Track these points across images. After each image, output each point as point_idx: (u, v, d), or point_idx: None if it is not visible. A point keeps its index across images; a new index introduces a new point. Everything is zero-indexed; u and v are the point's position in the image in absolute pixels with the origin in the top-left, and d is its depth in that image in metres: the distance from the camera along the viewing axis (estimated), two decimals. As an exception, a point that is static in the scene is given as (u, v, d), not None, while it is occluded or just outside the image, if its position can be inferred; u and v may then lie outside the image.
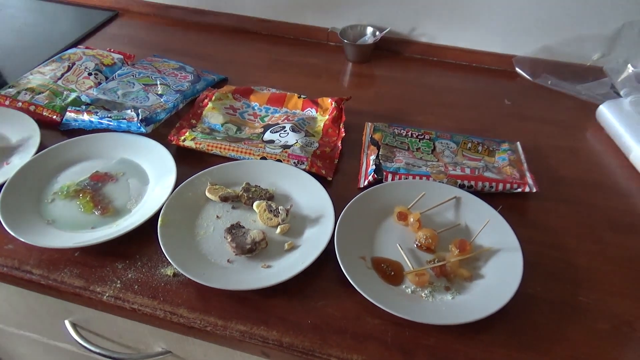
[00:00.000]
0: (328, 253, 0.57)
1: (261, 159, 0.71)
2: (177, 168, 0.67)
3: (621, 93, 0.83)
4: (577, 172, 0.74)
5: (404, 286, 0.56)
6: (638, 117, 0.76)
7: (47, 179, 0.68)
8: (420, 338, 0.52)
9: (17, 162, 0.69)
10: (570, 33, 0.92)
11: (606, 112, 0.81)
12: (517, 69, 0.95)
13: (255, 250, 0.58)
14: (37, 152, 0.70)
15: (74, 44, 0.99)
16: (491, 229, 0.61)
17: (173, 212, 0.62)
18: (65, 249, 0.59)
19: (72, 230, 0.61)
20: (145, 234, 0.60)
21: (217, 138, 0.74)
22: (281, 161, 0.71)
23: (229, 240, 0.59)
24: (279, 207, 0.63)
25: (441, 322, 0.51)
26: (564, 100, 0.89)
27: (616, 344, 0.52)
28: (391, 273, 0.57)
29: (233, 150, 0.72)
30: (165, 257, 0.56)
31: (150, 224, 0.60)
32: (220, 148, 0.73)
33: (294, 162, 0.70)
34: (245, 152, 0.72)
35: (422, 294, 0.55)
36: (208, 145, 0.73)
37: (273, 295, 0.55)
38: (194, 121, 0.79)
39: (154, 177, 0.69)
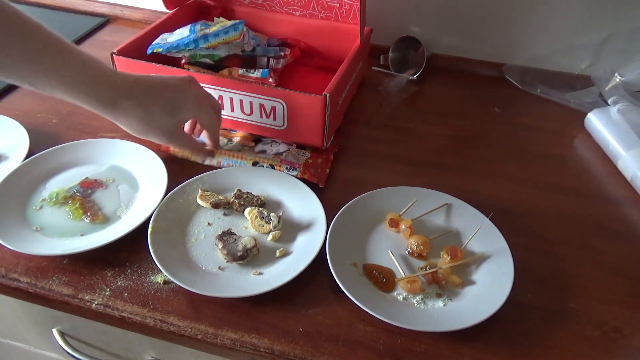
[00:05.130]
0: (320, 260, 0.57)
1: (253, 163, 0.71)
2: (168, 175, 0.67)
3: (609, 101, 0.84)
4: (566, 179, 0.75)
5: (395, 293, 0.56)
6: (625, 125, 0.77)
7: (36, 186, 0.67)
8: (411, 345, 0.52)
9: (5, 168, 0.68)
10: (559, 42, 0.93)
11: (594, 120, 0.82)
12: (507, 77, 0.96)
13: (246, 257, 0.58)
14: (25, 159, 0.69)
15: (64, 50, 0.98)
16: (482, 235, 0.61)
17: (163, 219, 0.62)
18: (53, 256, 0.58)
19: (60, 237, 0.61)
20: (135, 241, 0.60)
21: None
22: (274, 167, 0.70)
23: (220, 247, 0.59)
24: (271, 214, 0.63)
25: (433, 329, 0.52)
26: (552, 108, 0.90)
27: (605, 350, 0.52)
28: (383, 280, 0.57)
29: (225, 154, 0.73)
30: (156, 265, 0.56)
31: (140, 231, 0.60)
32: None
33: (287, 168, 0.70)
34: (238, 157, 0.72)
35: (414, 301, 0.55)
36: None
37: (264, 302, 0.55)
38: None
39: (145, 183, 0.68)
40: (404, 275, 0.57)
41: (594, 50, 0.91)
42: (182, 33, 0.79)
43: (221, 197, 0.65)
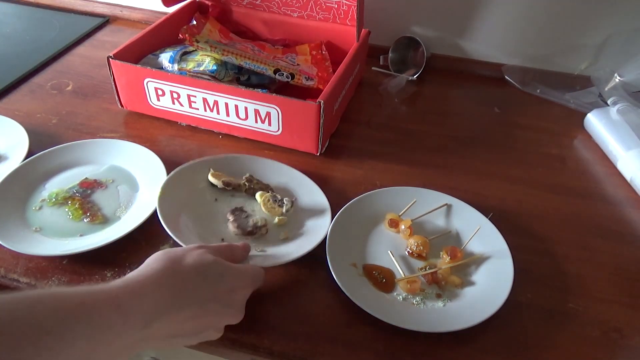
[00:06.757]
0: (320, 260, 0.57)
1: (275, 71, 0.77)
2: (168, 175, 0.67)
3: (608, 102, 0.84)
4: (566, 179, 0.75)
5: (395, 293, 0.56)
6: (625, 126, 0.77)
7: (35, 186, 0.67)
8: (411, 345, 0.52)
9: (5, 169, 0.68)
10: (558, 43, 0.93)
11: (594, 121, 0.82)
12: (507, 77, 0.96)
13: (255, 233, 0.60)
14: (25, 159, 0.69)
15: (64, 51, 0.99)
16: (482, 236, 0.61)
17: (172, 188, 0.64)
18: (53, 256, 0.58)
19: (60, 237, 0.61)
20: (134, 242, 0.60)
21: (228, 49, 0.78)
22: (294, 76, 0.77)
23: (231, 220, 0.60)
24: (284, 198, 0.64)
25: (432, 330, 0.51)
26: (552, 108, 0.90)
27: (605, 350, 0.52)
28: (383, 280, 0.57)
29: (248, 58, 0.76)
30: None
31: (140, 231, 0.60)
32: (236, 55, 0.77)
33: (305, 78, 0.78)
34: (261, 62, 0.77)
35: (414, 301, 0.55)
36: (223, 51, 0.77)
37: (264, 303, 0.55)
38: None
39: (144, 184, 0.68)
40: (403, 276, 0.57)
41: (594, 50, 0.91)
42: (163, 62, 0.80)
43: (232, 178, 0.67)
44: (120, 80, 0.78)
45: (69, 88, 0.88)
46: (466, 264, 0.59)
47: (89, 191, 0.67)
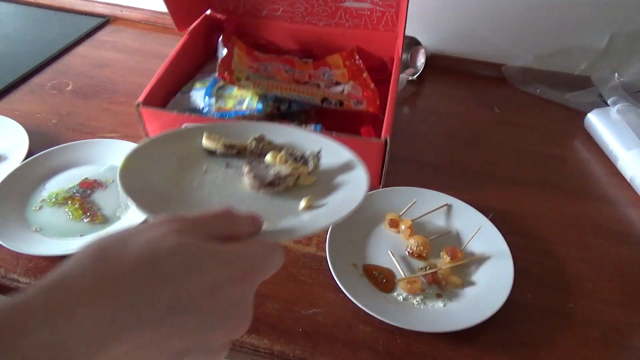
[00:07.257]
0: (320, 260, 0.57)
1: (322, 100, 0.72)
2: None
3: (608, 102, 0.84)
4: (566, 179, 0.75)
5: (395, 293, 0.56)
6: (625, 126, 0.77)
7: (35, 186, 0.67)
8: (411, 346, 0.52)
9: (5, 169, 0.68)
10: (559, 43, 0.93)
11: (594, 121, 0.82)
12: (507, 77, 0.96)
13: (277, 185, 0.44)
14: (25, 159, 0.69)
15: (64, 51, 0.98)
16: (482, 236, 0.61)
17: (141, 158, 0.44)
18: (53, 256, 0.58)
19: (60, 237, 0.61)
20: (134, 242, 0.60)
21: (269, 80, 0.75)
22: (342, 103, 0.73)
23: (247, 170, 0.45)
24: (306, 152, 0.47)
25: (433, 330, 0.51)
26: (552, 108, 0.90)
27: (605, 351, 0.52)
28: (383, 280, 0.57)
29: (294, 90, 0.72)
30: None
31: (140, 232, 0.59)
32: (280, 88, 0.72)
33: (354, 102, 0.74)
34: (307, 93, 0.73)
35: (414, 301, 0.55)
36: (268, 86, 0.72)
37: (264, 303, 0.55)
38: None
39: (144, 184, 0.68)
40: (404, 276, 0.57)
41: (594, 50, 0.91)
42: (197, 101, 0.75)
43: (236, 140, 0.48)
44: (152, 125, 0.71)
45: (69, 88, 0.88)
46: (466, 264, 0.59)
47: (89, 191, 0.67)
